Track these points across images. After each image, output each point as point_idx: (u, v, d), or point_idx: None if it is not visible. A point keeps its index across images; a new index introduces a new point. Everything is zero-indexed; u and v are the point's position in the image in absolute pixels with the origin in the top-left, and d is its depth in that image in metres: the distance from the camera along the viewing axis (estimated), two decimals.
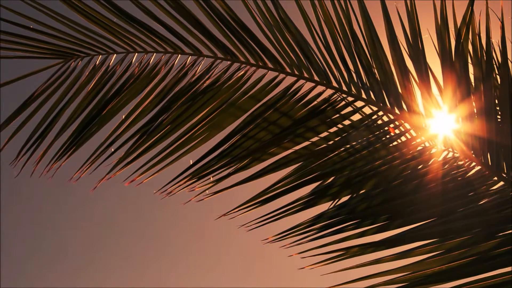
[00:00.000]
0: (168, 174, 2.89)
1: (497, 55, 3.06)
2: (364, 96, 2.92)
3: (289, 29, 2.94)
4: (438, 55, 2.86)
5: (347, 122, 2.92)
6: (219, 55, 3.04)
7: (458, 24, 2.82)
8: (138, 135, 2.92)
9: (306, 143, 2.88)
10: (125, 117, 2.95)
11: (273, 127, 2.90)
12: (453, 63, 2.75)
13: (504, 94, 2.67)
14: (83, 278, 10.04)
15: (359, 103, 2.93)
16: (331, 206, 2.75)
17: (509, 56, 2.79)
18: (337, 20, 2.91)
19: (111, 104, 2.98)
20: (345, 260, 2.61)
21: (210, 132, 2.94)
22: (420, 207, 2.61)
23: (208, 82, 2.98)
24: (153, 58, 3.05)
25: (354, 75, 2.92)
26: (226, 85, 2.97)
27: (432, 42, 2.98)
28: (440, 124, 2.85)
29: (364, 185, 2.72)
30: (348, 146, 2.82)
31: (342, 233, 2.64)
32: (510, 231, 2.49)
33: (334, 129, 2.89)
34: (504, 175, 2.65)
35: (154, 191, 2.86)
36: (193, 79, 2.99)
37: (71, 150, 2.92)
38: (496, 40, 2.83)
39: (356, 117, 2.94)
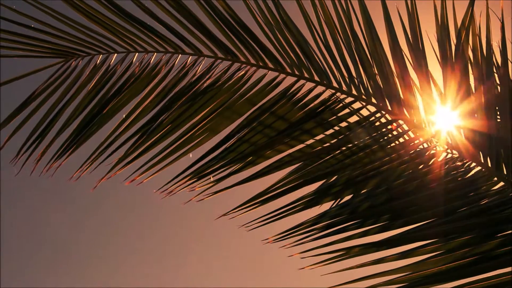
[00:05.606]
0: (169, 173, 2.89)
1: (495, 55, 3.07)
2: (364, 96, 2.92)
3: (290, 29, 2.94)
4: (438, 56, 2.87)
5: (346, 123, 2.92)
6: (220, 55, 3.04)
7: (459, 24, 2.83)
8: (139, 135, 2.91)
9: (308, 143, 2.88)
10: (125, 116, 2.94)
11: (271, 129, 2.90)
12: (453, 63, 2.76)
13: (504, 93, 2.68)
14: (83, 277, 10.03)
15: (359, 104, 2.93)
16: (333, 206, 2.75)
17: (509, 56, 2.80)
18: (337, 20, 2.92)
19: (112, 104, 2.98)
20: (346, 260, 2.61)
21: (211, 131, 2.94)
22: (421, 207, 2.61)
23: (208, 82, 2.98)
24: (153, 57, 3.05)
25: (354, 75, 2.92)
26: (226, 85, 2.97)
27: (430, 43, 2.99)
28: (440, 124, 2.86)
29: (366, 185, 2.73)
30: (348, 146, 2.82)
31: (344, 233, 2.64)
32: (511, 231, 2.49)
33: (335, 129, 2.89)
34: (504, 176, 2.66)
35: (154, 191, 2.85)
36: (194, 79, 2.99)
37: (72, 149, 2.91)
38: (496, 41, 2.84)
39: (356, 117, 2.94)
